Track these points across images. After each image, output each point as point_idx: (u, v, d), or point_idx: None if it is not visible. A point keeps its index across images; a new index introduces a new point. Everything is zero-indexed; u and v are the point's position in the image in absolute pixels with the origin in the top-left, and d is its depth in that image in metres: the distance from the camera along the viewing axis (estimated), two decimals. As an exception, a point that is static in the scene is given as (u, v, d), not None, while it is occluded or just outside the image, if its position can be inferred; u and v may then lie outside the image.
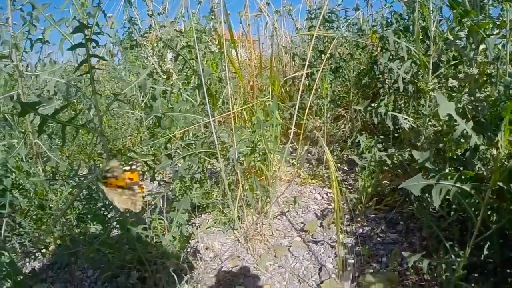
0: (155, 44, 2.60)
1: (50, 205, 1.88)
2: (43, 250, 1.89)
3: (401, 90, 1.92)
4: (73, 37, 1.49)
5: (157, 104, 1.57)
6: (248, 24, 3.36)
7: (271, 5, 3.43)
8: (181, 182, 1.74)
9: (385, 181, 2.08)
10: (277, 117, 1.77)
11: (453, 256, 1.30)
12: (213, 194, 1.92)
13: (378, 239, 1.80)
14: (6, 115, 1.83)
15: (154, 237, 1.55)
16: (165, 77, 2.25)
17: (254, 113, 2.04)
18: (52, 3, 1.72)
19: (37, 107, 1.07)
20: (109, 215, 1.63)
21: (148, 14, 2.59)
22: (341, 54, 2.81)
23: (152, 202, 1.57)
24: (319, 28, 2.70)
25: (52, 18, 1.54)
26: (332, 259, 1.69)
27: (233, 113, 1.66)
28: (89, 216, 1.66)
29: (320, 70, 1.91)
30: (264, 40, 3.47)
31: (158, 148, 2.12)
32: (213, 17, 2.09)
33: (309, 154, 2.64)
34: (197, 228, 1.85)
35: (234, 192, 1.78)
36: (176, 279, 1.41)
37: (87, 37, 1.14)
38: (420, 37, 1.93)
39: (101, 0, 1.46)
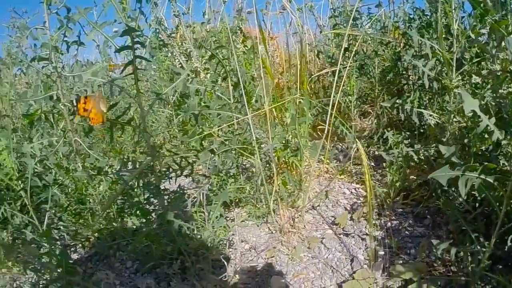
0: (180, 44, 2.74)
1: (90, 200, 2.01)
2: (81, 243, 2.03)
3: (426, 88, 2.02)
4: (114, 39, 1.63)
5: (194, 102, 1.70)
6: (271, 22, 3.48)
7: (293, 3, 3.54)
8: (218, 177, 1.87)
9: (412, 176, 2.19)
10: (308, 114, 1.89)
11: (478, 247, 1.41)
12: (246, 189, 2.05)
13: (406, 232, 1.92)
14: (46, 114, 1.97)
15: (193, 229, 1.69)
16: (193, 75, 2.38)
17: (283, 110, 2.16)
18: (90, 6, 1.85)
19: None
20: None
21: (174, 14, 2.72)
22: (365, 51, 2.91)
23: (193, 196, 1.70)
24: (343, 26, 2.82)
25: (94, 22, 1.66)
26: (363, 251, 1.81)
27: (263, 110, 1.79)
28: (131, 209, 1.79)
29: (347, 68, 2.02)
30: (287, 37, 3.58)
31: (188, 145, 2.25)
32: (242, 18, 2.21)
33: (336, 150, 2.75)
34: (232, 221, 1.99)
35: (268, 187, 1.90)
36: (216, 269, 1.54)
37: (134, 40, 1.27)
38: (443, 35, 2.03)
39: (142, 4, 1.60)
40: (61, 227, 2.04)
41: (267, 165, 1.90)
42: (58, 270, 1.52)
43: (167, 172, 1.56)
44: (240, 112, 1.82)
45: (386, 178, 2.19)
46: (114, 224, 2.00)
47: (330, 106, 1.86)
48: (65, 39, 1.95)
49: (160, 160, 1.57)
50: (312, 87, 3.08)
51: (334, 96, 2.01)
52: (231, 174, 1.94)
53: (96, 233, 2.03)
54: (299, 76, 2.16)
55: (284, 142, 1.78)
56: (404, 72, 2.72)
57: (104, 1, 1.64)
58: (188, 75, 2.40)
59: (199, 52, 2.17)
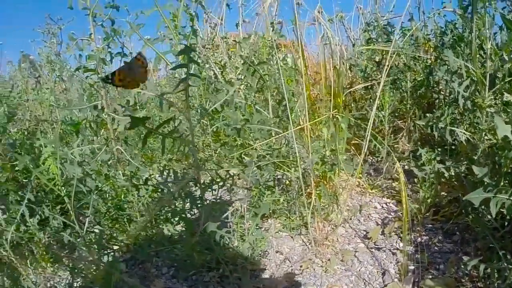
0: (214, 55, 2.86)
1: (128, 207, 2.14)
2: (118, 247, 2.15)
3: (461, 107, 2.11)
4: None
5: (236, 116, 1.80)
6: (301, 33, 3.58)
7: (324, 13, 3.63)
8: (257, 188, 1.98)
9: (443, 193, 2.27)
10: (346, 132, 1.99)
11: (505, 264, 1.50)
12: (280, 201, 2.16)
13: (436, 248, 2.00)
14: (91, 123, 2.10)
15: (232, 239, 1.80)
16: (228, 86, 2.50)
17: (319, 124, 2.27)
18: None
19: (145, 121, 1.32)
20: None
21: (210, 26, 2.85)
22: (397, 65, 2.99)
23: (235, 207, 1.81)
24: (376, 40, 2.91)
25: (146, 38, 1.78)
26: (394, 265, 1.90)
27: (304, 125, 1.90)
28: (173, 218, 1.90)
29: (382, 83, 2.12)
30: (319, 49, 3.66)
31: (226, 155, 2.37)
32: (281, 33, 2.31)
33: (367, 165, 2.85)
34: (267, 232, 2.10)
35: (302, 199, 2.01)
36: (252, 278, 1.65)
37: (190, 58, 1.39)
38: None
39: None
40: (97, 230, 2.17)
41: (303, 179, 2.00)
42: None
43: (211, 184, 1.67)
44: (279, 126, 1.93)
45: (416, 193, 2.28)
46: (150, 230, 2.11)
47: (369, 125, 1.96)
48: (109, 50, 2.09)
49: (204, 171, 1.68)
50: (343, 99, 3.17)
51: (367, 110, 2.12)
52: (268, 186, 2.05)
53: (130, 239, 2.14)
54: (333, 90, 2.26)
55: (322, 157, 1.88)
56: (435, 86, 2.80)
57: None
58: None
59: (243, 66, 2.28)
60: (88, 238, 2.07)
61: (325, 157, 1.90)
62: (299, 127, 1.96)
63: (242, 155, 1.93)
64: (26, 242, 2.05)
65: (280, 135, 1.90)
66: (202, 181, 1.64)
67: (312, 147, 1.84)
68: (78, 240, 2.12)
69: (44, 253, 2.11)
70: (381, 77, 2.72)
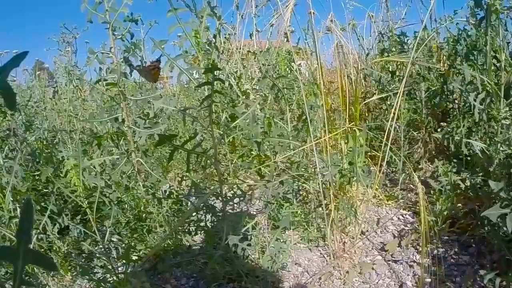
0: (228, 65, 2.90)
1: (148, 218, 2.18)
2: (137, 257, 2.20)
3: (476, 120, 2.14)
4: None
5: (257, 130, 1.84)
6: (314, 41, 3.61)
7: (336, 22, 3.66)
8: (276, 201, 2.03)
9: (459, 204, 2.30)
10: (364, 145, 2.03)
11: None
12: (298, 212, 2.20)
13: (452, 260, 2.03)
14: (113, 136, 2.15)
15: (254, 252, 1.85)
16: (244, 97, 2.54)
17: (335, 137, 2.31)
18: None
19: (172, 139, 1.37)
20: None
21: (225, 37, 2.89)
22: (411, 74, 3.01)
23: (257, 220, 1.85)
24: (390, 50, 2.95)
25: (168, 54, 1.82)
26: (411, 277, 1.94)
27: (322, 138, 1.94)
28: (196, 231, 1.95)
29: (399, 94, 2.15)
30: (332, 57, 3.70)
31: (241, 166, 2.41)
32: (300, 48, 2.35)
33: (382, 174, 2.88)
34: (284, 244, 2.14)
35: (320, 211, 2.05)
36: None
37: (215, 77, 1.43)
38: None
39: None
40: (115, 239, 2.22)
41: (321, 191, 2.04)
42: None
43: (233, 198, 1.71)
44: (297, 139, 1.97)
45: (432, 204, 2.31)
46: (169, 241, 2.16)
47: (385, 138, 2.00)
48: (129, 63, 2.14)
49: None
50: (358, 108, 3.21)
51: (382, 121, 2.16)
52: (287, 198, 2.09)
53: (150, 249, 2.19)
54: (349, 100, 2.30)
55: (340, 170, 1.92)
56: (449, 95, 2.82)
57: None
58: (239, 96, 2.56)
59: (263, 80, 2.32)
60: (108, 247, 2.12)
61: (344, 170, 1.94)
62: (318, 140, 2.00)
63: (261, 168, 1.97)
64: (45, 251, 2.10)
65: (299, 148, 1.94)
66: (224, 195, 1.68)
67: (331, 160, 1.88)
68: (97, 249, 2.18)
69: (63, 261, 2.16)
70: (396, 86, 2.76)
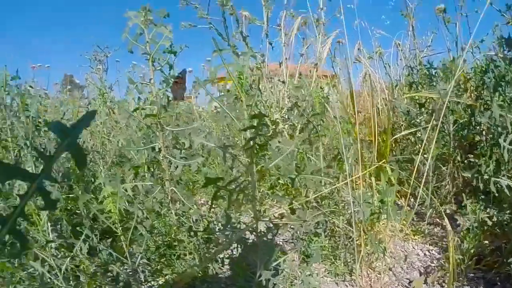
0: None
1: (179, 245, 2.24)
2: (164, 281, 2.26)
3: (506, 161, 2.18)
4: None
5: (292, 166, 1.90)
6: (340, 69, 3.68)
7: (363, 51, 3.73)
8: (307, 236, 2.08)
9: (485, 241, 2.33)
10: (395, 184, 2.08)
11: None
12: (326, 246, 2.25)
13: (478, 298, 2.07)
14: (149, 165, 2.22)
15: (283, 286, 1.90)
16: (273, 126, 2.61)
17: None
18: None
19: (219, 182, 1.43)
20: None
21: (256, 67, 2.96)
22: (440, 107, 3.03)
23: (289, 255, 1.90)
24: (419, 83, 3.00)
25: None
26: (438, 315, 1.98)
27: (354, 177, 2.00)
28: (231, 264, 2.00)
29: (428, 130, 2.19)
30: (358, 85, 3.76)
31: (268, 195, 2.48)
32: (335, 83, 2.42)
33: (408, 207, 2.91)
34: (314, 279, 2.18)
35: (348, 246, 2.10)
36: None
37: (261, 122, 1.48)
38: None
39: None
40: (141, 262, 2.28)
41: (350, 225, 2.09)
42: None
43: (267, 233, 1.77)
44: (329, 175, 2.03)
45: (458, 240, 2.34)
46: (198, 268, 2.22)
47: (414, 172, 2.04)
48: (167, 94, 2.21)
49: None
50: (384, 139, 3.24)
51: (410, 154, 2.21)
52: (316, 232, 2.15)
53: (178, 275, 2.25)
54: (377, 132, 2.35)
55: (371, 207, 1.97)
56: (476, 126, 2.84)
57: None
58: (268, 126, 2.63)
59: (301, 119, 2.38)
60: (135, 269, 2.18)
61: (374, 207, 1.98)
62: (352, 178, 2.05)
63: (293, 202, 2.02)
64: (72, 269, 2.17)
65: (333, 187, 2.00)
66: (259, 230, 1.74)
67: (362, 197, 1.93)
68: (124, 270, 2.24)
69: (91, 281, 2.22)
70: (424, 119, 2.81)
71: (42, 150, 2.62)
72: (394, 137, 2.96)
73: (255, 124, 1.47)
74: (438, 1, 3.96)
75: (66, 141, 0.57)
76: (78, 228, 2.21)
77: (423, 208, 2.74)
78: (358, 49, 3.70)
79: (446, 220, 1.79)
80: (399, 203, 2.37)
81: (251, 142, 1.51)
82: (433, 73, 2.96)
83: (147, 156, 2.14)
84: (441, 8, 3.95)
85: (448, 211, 2.73)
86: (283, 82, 2.92)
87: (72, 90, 5.90)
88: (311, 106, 2.47)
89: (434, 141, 2.29)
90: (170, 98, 2.17)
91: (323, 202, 1.97)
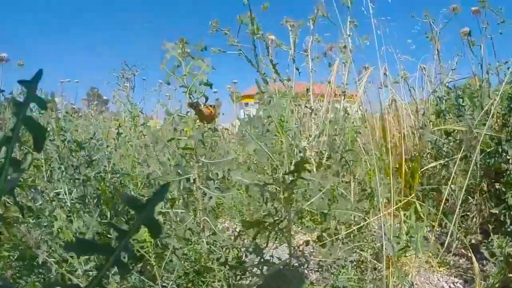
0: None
1: (208, 273, 2.32)
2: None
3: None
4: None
5: (324, 202, 1.96)
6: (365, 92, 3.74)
7: (388, 76, 3.79)
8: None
9: (510, 275, 2.37)
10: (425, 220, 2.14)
11: None
12: (352, 278, 2.31)
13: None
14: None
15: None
16: (301, 154, 2.68)
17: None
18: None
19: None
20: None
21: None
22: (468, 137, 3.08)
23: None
24: (447, 112, 3.05)
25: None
26: None
27: (385, 212, 2.06)
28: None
29: (457, 161, 2.25)
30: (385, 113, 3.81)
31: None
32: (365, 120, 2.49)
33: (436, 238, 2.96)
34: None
35: (374, 278, 2.16)
36: None
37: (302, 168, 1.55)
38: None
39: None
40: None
41: (376, 258, 2.15)
42: None
43: (299, 267, 1.84)
44: (360, 210, 2.10)
45: (483, 272, 2.38)
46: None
47: (442, 203, 2.10)
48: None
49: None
50: (410, 165, 3.29)
51: (438, 184, 2.26)
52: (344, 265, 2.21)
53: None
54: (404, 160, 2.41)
55: (400, 240, 2.04)
56: (503, 153, 2.87)
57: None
58: (295, 154, 2.71)
59: (334, 155, 2.45)
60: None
61: (403, 241, 2.04)
62: (383, 213, 2.12)
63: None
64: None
65: (364, 222, 2.06)
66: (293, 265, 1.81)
67: (392, 231, 2.00)
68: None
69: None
70: (451, 148, 2.86)
71: (73, 170, 2.73)
72: (423, 169, 3.01)
73: (296, 169, 1.55)
74: (463, 23, 4.03)
75: (143, 214, 0.63)
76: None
77: (449, 237, 2.79)
78: (384, 74, 3.76)
79: (471, 252, 1.84)
80: (426, 235, 2.42)
81: (290, 185, 1.58)
82: (461, 103, 3.00)
83: (182, 187, 2.22)
84: (466, 31, 4.01)
85: (473, 241, 2.78)
86: (311, 109, 2.99)
87: (98, 104, 6.07)
88: (344, 142, 2.54)
89: (467, 173, 2.34)
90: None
91: (352, 235, 2.03)
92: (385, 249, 1.90)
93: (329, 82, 3.17)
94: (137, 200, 0.64)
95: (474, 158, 2.91)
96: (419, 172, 2.95)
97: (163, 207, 2.25)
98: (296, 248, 2.03)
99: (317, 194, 1.87)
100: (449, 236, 2.37)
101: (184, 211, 2.24)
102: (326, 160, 2.69)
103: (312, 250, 2.12)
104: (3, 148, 0.59)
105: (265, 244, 1.67)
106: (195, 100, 2.21)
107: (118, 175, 2.88)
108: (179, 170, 2.20)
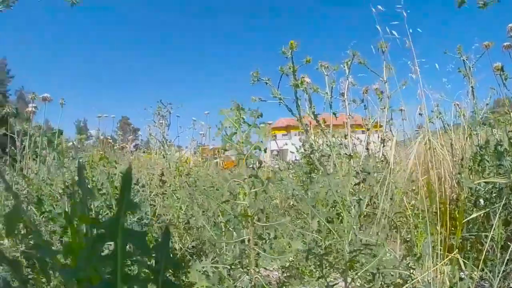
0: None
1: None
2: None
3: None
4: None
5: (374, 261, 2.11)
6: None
7: (425, 115, 3.88)
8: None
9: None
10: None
11: None
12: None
13: None
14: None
15: None
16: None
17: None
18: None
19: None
20: None
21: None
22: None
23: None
24: (487, 161, 3.15)
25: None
26: None
27: (431, 269, 2.20)
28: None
29: (498, 214, 2.34)
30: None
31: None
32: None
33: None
34: None
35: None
36: None
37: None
38: None
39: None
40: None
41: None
42: None
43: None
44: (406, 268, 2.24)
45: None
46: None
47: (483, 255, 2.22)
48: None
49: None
50: (446, 208, 3.35)
51: (477, 232, 2.35)
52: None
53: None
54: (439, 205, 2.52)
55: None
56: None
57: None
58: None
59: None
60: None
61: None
62: (431, 270, 2.24)
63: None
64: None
65: (411, 282, 2.18)
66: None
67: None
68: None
69: None
70: (491, 196, 2.96)
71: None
72: (464, 220, 3.08)
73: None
74: (495, 59, 4.13)
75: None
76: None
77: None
78: (420, 114, 3.87)
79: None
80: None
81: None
82: (502, 151, 3.06)
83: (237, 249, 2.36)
84: (498, 67, 4.11)
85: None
86: (350, 156, 3.11)
87: (126, 133, 6.30)
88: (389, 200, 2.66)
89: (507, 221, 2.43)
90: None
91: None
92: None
93: (368, 129, 3.29)
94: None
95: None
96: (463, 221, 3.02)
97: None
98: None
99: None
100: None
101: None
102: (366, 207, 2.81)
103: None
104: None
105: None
106: (250, 167, 2.36)
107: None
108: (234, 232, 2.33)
